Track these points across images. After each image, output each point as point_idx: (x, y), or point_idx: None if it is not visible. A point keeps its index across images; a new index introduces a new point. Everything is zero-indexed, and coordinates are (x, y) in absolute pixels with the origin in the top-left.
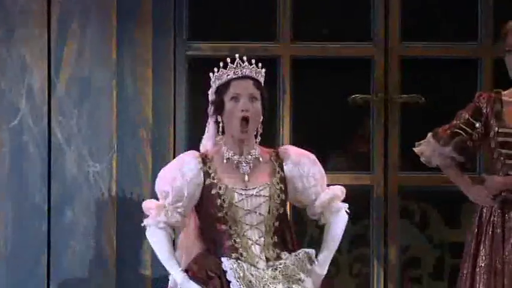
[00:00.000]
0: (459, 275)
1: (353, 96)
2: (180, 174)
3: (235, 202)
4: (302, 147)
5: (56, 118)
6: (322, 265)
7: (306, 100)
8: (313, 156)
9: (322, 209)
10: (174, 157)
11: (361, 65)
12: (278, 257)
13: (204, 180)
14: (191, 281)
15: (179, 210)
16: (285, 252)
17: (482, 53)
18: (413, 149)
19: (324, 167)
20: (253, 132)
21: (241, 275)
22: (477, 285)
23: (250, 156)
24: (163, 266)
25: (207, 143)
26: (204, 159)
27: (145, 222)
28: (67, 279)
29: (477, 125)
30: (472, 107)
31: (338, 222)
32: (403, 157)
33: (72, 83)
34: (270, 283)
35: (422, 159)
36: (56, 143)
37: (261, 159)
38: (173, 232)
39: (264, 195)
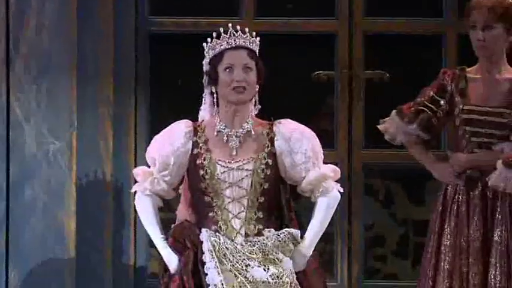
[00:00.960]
0: (423, 254)
1: (316, 72)
2: (168, 142)
3: (217, 174)
4: None
5: (14, 94)
6: (307, 246)
7: (269, 76)
8: (308, 133)
9: (310, 186)
10: (135, 134)
11: (325, 41)
12: (259, 233)
13: (192, 150)
14: (168, 248)
15: (166, 178)
16: (271, 229)
17: (447, 28)
18: (378, 126)
19: None
20: (248, 102)
21: (217, 247)
22: (442, 263)
23: (241, 130)
24: (123, 242)
25: (205, 114)
26: (196, 128)
27: (133, 188)
28: (26, 256)
29: (442, 102)
30: (436, 84)
31: (326, 202)
32: (367, 134)
33: (31, 59)
34: (246, 258)
35: (386, 136)
36: (15, 120)
37: (253, 132)
38: (161, 200)
39: (247, 169)
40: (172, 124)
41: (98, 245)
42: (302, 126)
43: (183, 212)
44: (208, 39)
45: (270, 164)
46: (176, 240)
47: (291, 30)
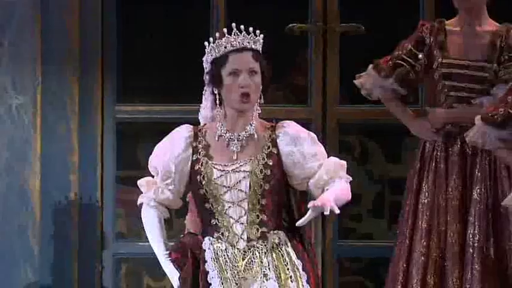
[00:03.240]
0: (400, 212)
1: (290, 25)
2: (169, 149)
3: (214, 178)
4: None
5: None
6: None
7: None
8: (312, 136)
9: (326, 177)
10: (102, 87)
11: None
12: (263, 236)
13: (192, 156)
14: (171, 265)
15: (169, 187)
16: (279, 232)
17: None
18: (354, 81)
19: None
20: (254, 104)
21: (220, 254)
22: (419, 222)
23: (243, 133)
24: (90, 201)
25: (206, 114)
26: (197, 133)
27: (139, 200)
28: None
29: (420, 56)
30: (414, 37)
31: (344, 183)
32: (342, 90)
33: None
34: (243, 270)
35: (363, 91)
36: None
37: (255, 135)
38: (167, 211)
39: (244, 171)
40: (173, 130)
41: (63, 204)
42: (306, 130)
43: (190, 221)
44: (211, 39)
45: (270, 164)
46: (177, 256)
47: None
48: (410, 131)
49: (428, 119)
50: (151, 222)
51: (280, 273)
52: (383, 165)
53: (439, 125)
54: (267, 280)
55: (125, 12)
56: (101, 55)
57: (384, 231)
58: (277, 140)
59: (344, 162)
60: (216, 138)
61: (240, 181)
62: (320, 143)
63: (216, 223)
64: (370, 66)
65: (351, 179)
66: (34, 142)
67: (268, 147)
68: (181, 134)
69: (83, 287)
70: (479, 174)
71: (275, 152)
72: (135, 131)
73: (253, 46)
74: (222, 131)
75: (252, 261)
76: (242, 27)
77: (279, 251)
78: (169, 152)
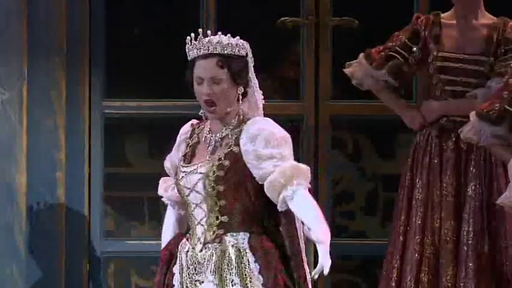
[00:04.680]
0: (394, 209)
1: (282, 19)
2: (174, 146)
3: (179, 180)
4: None
5: None
6: (314, 230)
7: (232, 22)
8: (277, 137)
9: (282, 180)
10: (89, 82)
11: None
12: (217, 240)
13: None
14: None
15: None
16: (239, 233)
17: None
18: (344, 70)
19: None
20: (224, 110)
21: (182, 257)
22: (413, 219)
23: (219, 135)
24: (77, 199)
25: None
26: (194, 130)
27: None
28: None
29: (414, 48)
30: (409, 29)
31: (299, 206)
32: (335, 84)
33: None
34: (197, 273)
35: (353, 81)
36: None
37: (230, 135)
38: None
39: (199, 172)
40: None
41: (50, 202)
42: (274, 129)
43: None
44: (188, 38)
45: (226, 164)
46: (164, 253)
47: None
48: (404, 121)
49: (421, 111)
50: (165, 223)
51: (221, 276)
52: (376, 162)
53: (433, 117)
54: (208, 283)
55: (113, 7)
56: (89, 49)
57: (377, 229)
58: (239, 138)
59: (304, 167)
60: (203, 139)
61: (196, 183)
62: (288, 145)
63: (189, 223)
64: (361, 55)
65: (309, 185)
66: (20, 138)
67: (229, 147)
68: (182, 130)
69: (70, 286)
70: (474, 170)
71: (236, 151)
72: (123, 127)
73: (220, 51)
74: (206, 131)
75: (203, 264)
76: (209, 32)
77: (229, 254)
78: (173, 149)
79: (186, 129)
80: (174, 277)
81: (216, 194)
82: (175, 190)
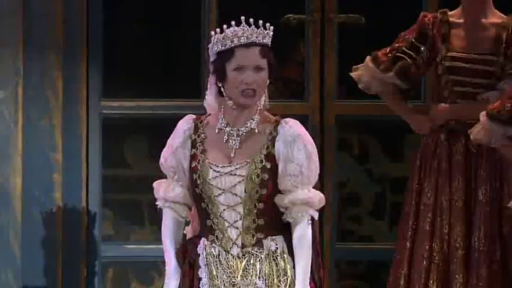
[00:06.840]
0: (401, 213)
1: (286, 16)
2: (171, 143)
3: (209, 179)
4: None
5: None
6: (300, 281)
7: (234, 20)
8: (311, 144)
9: (289, 205)
10: (87, 81)
11: None
12: (258, 243)
13: (191, 150)
14: (170, 279)
15: (180, 182)
16: (277, 237)
17: None
18: (350, 74)
19: None
20: (258, 100)
21: (211, 260)
22: (421, 224)
23: (243, 128)
24: (74, 202)
25: (211, 101)
26: (198, 125)
27: (158, 205)
28: None
29: (422, 48)
30: (416, 29)
31: (300, 238)
32: (341, 84)
33: None
34: (234, 277)
35: (360, 85)
36: None
37: (257, 130)
38: (185, 209)
39: (239, 175)
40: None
41: (46, 204)
42: (306, 135)
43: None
44: (218, 30)
45: (269, 167)
46: (178, 257)
47: None
48: (411, 127)
49: (430, 114)
50: (163, 224)
51: (271, 283)
52: (384, 164)
53: (442, 121)
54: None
55: (111, 5)
56: (86, 48)
57: (385, 233)
58: (275, 140)
59: (318, 199)
60: (216, 131)
61: (235, 185)
62: (316, 167)
63: (211, 225)
64: (368, 58)
65: (316, 218)
66: (15, 138)
67: (267, 148)
68: (182, 125)
69: None
70: (484, 174)
71: (273, 153)
72: (121, 127)
73: (262, 41)
74: (223, 124)
75: (246, 268)
76: (251, 20)
77: (274, 259)
78: (170, 146)
79: (188, 124)
80: (201, 282)
81: (258, 197)
82: (177, 190)
